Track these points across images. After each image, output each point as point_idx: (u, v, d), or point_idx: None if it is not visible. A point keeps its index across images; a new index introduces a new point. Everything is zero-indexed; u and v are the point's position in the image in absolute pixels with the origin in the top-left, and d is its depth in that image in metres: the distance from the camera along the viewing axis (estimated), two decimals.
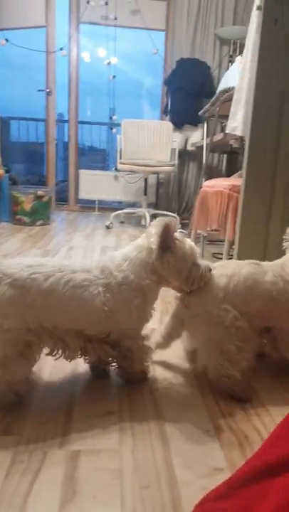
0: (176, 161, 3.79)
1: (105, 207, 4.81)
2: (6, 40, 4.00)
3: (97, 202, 4.73)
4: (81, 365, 1.12)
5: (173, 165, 3.59)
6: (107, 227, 3.59)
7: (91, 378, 1.09)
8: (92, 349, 0.98)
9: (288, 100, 1.44)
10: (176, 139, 3.90)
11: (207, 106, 2.74)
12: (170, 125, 3.78)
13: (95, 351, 0.98)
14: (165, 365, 1.17)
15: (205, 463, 0.78)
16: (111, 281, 0.94)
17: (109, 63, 4.43)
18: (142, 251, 0.98)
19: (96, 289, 0.93)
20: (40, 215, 3.69)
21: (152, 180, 4.54)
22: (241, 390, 1.01)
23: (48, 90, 4.21)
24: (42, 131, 4.99)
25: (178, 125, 4.13)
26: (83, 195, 4.70)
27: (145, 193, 3.79)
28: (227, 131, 1.75)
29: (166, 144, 3.75)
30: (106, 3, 4.21)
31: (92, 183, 4.61)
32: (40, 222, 3.69)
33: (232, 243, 1.60)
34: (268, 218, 1.52)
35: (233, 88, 1.88)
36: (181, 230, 1.03)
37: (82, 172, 4.65)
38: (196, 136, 4.07)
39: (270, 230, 1.54)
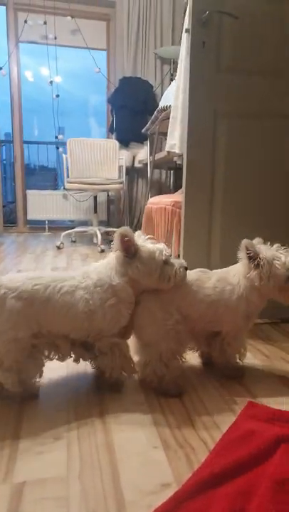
0: (123, 178, 3.84)
1: (56, 226, 4.76)
2: None
3: (47, 222, 4.67)
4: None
5: (121, 182, 3.63)
6: (58, 248, 3.54)
7: (40, 401, 1.06)
8: (74, 352, 1.09)
9: (221, 118, 1.51)
10: (124, 157, 3.96)
11: (148, 124, 2.81)
12: (116, 143, 3.84)
13: (76, 354, 1.09)
14: None
15: (152, 480, 0.79)
16: (89, 282, 1.05)
17: (51, 82, 4.44)
18: (114, 259, 1.09)
19: (79, 293, 1.03)
20: None
21: (103, 197, 4.56)
22: (170, 386, 1.10)
23: None
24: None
25: (124, 143, 4.20)
26: (32, 215, 4.62)
27: (95, 211, 3.80)
28: (166, 149, 1.81)
29: (112, 162, 3.80)
30: (45, 23, 4.23)
31: (41, 204, 4.55)
32: None
33: (178, 257, 1.64)
34: (209, 230, 1.58)
35: (170, 107, 1.95)
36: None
37: (30, 193, 4.58)
38: (143, 154, 4.15)
39: (212, 242, 1.59)
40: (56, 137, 4.55)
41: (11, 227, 4.83)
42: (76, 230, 3.80)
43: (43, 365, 1.07)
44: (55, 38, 4.30)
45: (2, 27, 4.30)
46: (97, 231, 3.54)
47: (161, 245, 1.09)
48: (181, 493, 0.74)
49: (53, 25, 4.27)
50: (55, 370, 1.18)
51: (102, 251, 3.35)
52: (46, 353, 1.06)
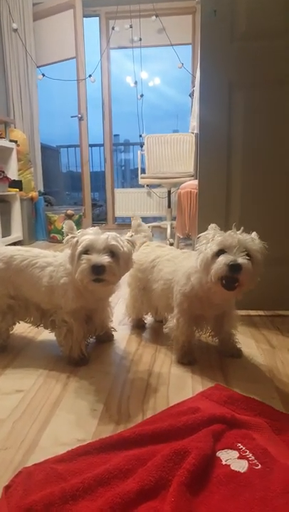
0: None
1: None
2: (43, 74, 4.41)
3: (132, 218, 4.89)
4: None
5: (192, 175, 3.61)
6: None
7: (25, 357, 1.21)
8: (44, 321, 1.21)
9: (237, 90, 1.43)
10: None
11: None
12: (192, 137, 3.82)
13: (45, 323, 1.21)
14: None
15: (72, 434, 0.84)
16: (59, 261, 1.13)
17: (136, 83, 4.62)
18: None
19: (48, 269, 1.13)
20: None
21: None
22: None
23: (79, 116, 4.51)
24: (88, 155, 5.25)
25: None
26: (119, 213, 4.88)
27: (168, 206, 3.85)
28: (189, 131, 1.77)
29: (188, 156, 3.80)
30: (130, 27, 4.42)
31: (127, 201, 4.79)
32: None
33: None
34: (226, 212, 1.51)
35: None
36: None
37: (117, 191, 4.85)
38: None
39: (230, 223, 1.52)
40: (140, 136, 4.72)
41: (101, 224, 5.19)
42: (150, 224, 3.91)
43: (13, 324, 1.24)
44: (140, 40, 4.46)
45: (91, 37, 4.63)
46: (168, 225, 3.59)
47: (101, 235, 1.01)
48: (83, 447, 0.77)
49: (138, 28, 4.45)
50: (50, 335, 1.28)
51: (171, 244, 3.39)
52: (21, 316, 1.18)
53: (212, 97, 1.45)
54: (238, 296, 1.03)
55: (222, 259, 0.95)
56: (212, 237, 1.02)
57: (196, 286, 1.07)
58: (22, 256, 1.17)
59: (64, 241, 1.04)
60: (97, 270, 0.95)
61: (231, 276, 0.95)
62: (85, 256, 0.97)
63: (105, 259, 0.96)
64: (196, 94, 1.69)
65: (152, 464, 0.69)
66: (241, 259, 0.94)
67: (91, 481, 0.67)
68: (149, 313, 1.42)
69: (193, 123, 1.70)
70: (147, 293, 1.30)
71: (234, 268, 0.93)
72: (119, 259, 1.00)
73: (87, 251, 0.98)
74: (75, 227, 1.08)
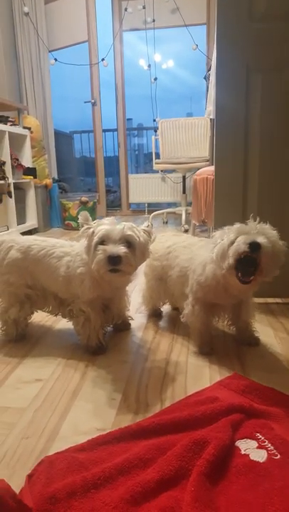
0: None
1: (156, 209, 4.91)
2: (55, 59, 4.36)
3: (146, 205, 4.85)
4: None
5: (207, 160, 3.55)
6: None
7: (42, 346, 1.23)
8: (62, 310, 1.22)
9: (255, 74, 1.39)
10: None
11: None
12: (207, 120, 3.74)
13: (63, 312, 1.22)
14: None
15: (91, 424, 0.85)
16: (77, 252, 1.13)
17: (149, 66, 4.53)
18: None
19: (66, 259, 1.13)
20: None
21: None
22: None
23: (93, 101, 4.46)
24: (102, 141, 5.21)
25: None
26: (133, 199, 4.85)
27: (183, 192, 3.81)
28: (205, 116, 1.73)
29: (203, 140, 3.73)
30: (143, 7, 4.31)
31: (141, 187, 4.75)
32: None
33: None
34: (243, 199, 1.48)
35: None
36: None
37: (131, 177, 4.81)
38: None
39: (248, 211, 1.49)
40: (154, 120, 4.65)
41: (115, 211, 5.18)
42: (164, 210, 3.89)
43: (31, 313, 1.26)
44: (154, 21, 4.34)
45: (103, 20, 4.53)
46: (182, 211, 3.56)
47: (117, 225, 1.00)
48: (102, 437, 0.78)
49: (151, 9, 4.32)
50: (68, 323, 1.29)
51: (186, 230, 3.37)
52: (39, 305, 1.20)
53: (229, 80, 1.41)
54: (254, 288, 1.01)
55: (241, 239, 0.94)
56: (228, 229, 1.01)
57: (212, 277, 1.06)
58: (39, 246, 1.18)
59: (80, 232, 1.04)
60: (114, 261, 0.95)
61: (250, 255, 0.92)
62: (101, 246, 0.97)
63: (121, 249, 0.96)
64: (212, 79, 1.64)
65: (172, 453, 0.70)
66: (261, 239, 0.92)
67: (112, 470, 0.68)
68: (166, 302, 1.42)
69: (210, 108, 1.66)
70: (164, 283, 1.29)
71: (254, 246, 0.91)
72: (136, 249, 0.99)
73: (103, 241, 0.98)
74: (90, 217, 1.08)
